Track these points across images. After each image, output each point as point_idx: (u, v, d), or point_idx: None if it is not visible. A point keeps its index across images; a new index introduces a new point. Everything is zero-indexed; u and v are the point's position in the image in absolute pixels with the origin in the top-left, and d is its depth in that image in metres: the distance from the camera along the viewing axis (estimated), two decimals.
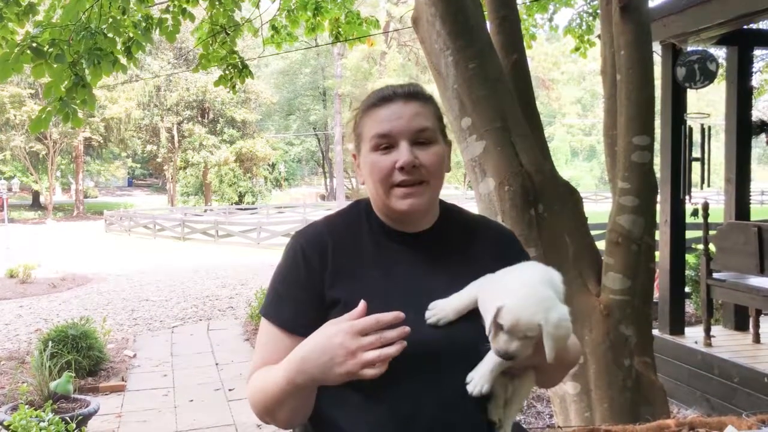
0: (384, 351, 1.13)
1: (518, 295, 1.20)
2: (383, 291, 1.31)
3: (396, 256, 1.37)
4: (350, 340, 1.14)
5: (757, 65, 9.64)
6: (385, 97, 1.35)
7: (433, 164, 1.33)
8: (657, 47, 5.56)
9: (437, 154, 1.34)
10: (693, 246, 8.38)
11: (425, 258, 1.37)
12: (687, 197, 5.57)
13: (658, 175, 4.48)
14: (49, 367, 5.32)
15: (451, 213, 1.46)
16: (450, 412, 1.29)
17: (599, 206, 29.94)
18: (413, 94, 1.35)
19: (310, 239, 1.38)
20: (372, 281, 1.33)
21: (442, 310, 1.29)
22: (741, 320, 5.82)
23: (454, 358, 1.28)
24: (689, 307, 7.53)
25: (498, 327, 1.21)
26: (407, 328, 1.15)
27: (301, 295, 1.34)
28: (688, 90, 5.52)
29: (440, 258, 1.38)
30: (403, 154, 1.30)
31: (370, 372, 1.13)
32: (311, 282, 1.34)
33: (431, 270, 1.36)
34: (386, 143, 1.32)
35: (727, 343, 5.44)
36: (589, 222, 3.18)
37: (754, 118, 6.10)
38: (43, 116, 4.06)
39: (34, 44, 3.84)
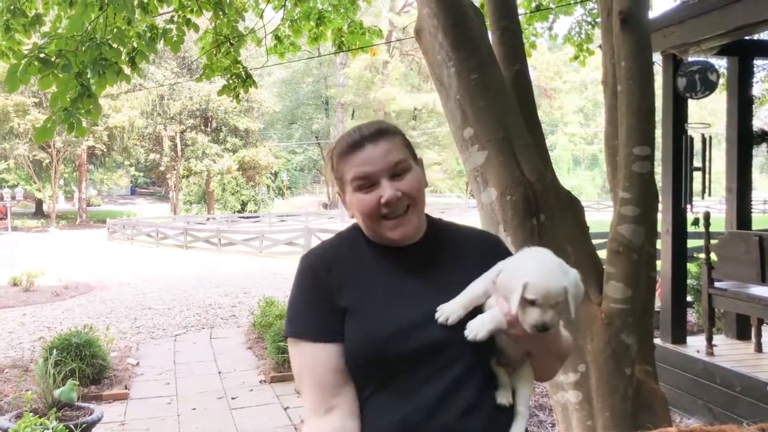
0: None
1: (539, 269, 1.34)
2: (383, 296, 1.44)
3: (391, 266, 1.48)
4: None
5: (757, 75, 9.68)
6: (355, 144, 1.46)
7: (413, 189, 1.46)
8: (658, 58, 5.59)
9: (415, 179, 1.47)
10: (695, 255, 8.39)
11: (418, 266, 1.49)
12: (688, 206, 5.59)
13: (659, 184, 4.50)
14: (53, 375, 5.34)
15: (438, 225, 1.58)
16: (457, 403, 1.38)
17: (601, 215, 29.92)
18: (379, 132, 1.47)
19: (316, 257, 1.52)
20: (373, 289, 1.45)
21: (449, 308, 1.40)
22: (743, 329, 5.82)
23: (455, 351, 1.38)
24: (691, 316, 7.54)
25: (528, 303, 1.31)
26: None
27: (320, 306, 1.45)
28: (690, 100, 5.55)
29: (432, 265, 1.49)
30: (386, 191, 1.43)
31: None
32: (325, 294, 1.45)
33: (425, 276, 1.48)
34: (368, 183, 1.45)
35: (729, 352, 5.45)
36: (591, 231, 3.19)
37: (755, 128, 6.13)
38: (48, 125, 4.09)
39: (42, 55, 3.88)
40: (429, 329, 1.39)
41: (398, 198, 1.43)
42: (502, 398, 1.43)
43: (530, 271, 1.32)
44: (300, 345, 1.44)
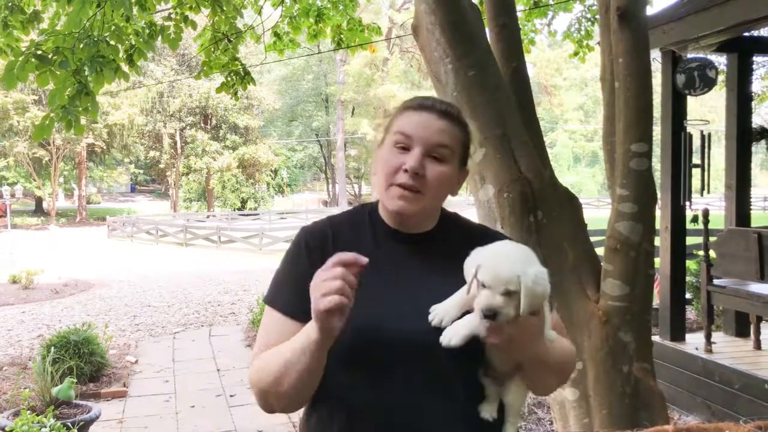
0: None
1: (495, 254, 1.30)
2: (376, 284, 1.38)
3: (393, 253, 1.45)
4: (325, 272, 1.23)
5: (757, 72, 9.67)
6: (423, 105, 1.45)
7: (436, 180, 1.41)
8: (657, 54, 5.58)
9: (443, 174, 1.42)
10: (694, 252, 8.39)
11: (422, 258, 1.45)
12: (687, 204, 5.58)
13: (658, 181, 4.49)
14: (51, 372, 5.34)
15: (450, 220, 1.54)
16: (439, 403, 1.35)
17: (601, 212, 29.90)
18: (448, 113, 1.45)
19: (313, 233, 1.49)
20: (366, 274, 1.38)
21: (443, 310, 1.34)
22: (742, 327, 5.82)
23: (440, 351, 1.32)
24: (690, 313, 7.53)
25: (481, 287, 1.26)
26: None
27: (301, 283, 1.39)
28: (689, 96, 5.54)
29: (437, 259, 1.45)
30: (412, 158, 1.39)
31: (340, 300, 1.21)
32: (309, 273, 1.39)
33: (427, 269, 1.43)
34: (404, 144, 1.41)
35: (728, 350, 5.45)
36: (591, 228, 3.19)
37: (754, 125, 6.12)
38: (47, 123, 4.09)
39: (39, 52, 3.87)
40: (416, 324, 1.35)
41: (417, 173, 1.38)
42: (486, 412, 1.38)
43: (488, 255, 1.29)
44: (271, 311, 1.44)
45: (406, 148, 1.41)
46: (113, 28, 4.42)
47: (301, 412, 1.50)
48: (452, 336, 1.30)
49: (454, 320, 1.33)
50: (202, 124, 40.88)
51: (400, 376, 1.35)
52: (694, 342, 5.54)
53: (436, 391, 1.36)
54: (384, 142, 1.46)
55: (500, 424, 1.41)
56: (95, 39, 4.14)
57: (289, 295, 1.44)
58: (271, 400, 1.39)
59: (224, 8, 5.82)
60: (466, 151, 1.49)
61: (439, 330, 1.33)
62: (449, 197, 1.51)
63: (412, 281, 1.42)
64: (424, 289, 1.40)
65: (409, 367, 1.35)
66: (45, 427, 3.92)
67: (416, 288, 1.41)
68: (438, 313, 1.34)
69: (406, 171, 1.38)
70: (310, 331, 1.28)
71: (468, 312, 1.34)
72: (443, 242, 1.48)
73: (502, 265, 1.26)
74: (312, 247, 1.46)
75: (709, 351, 5.27)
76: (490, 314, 1.24)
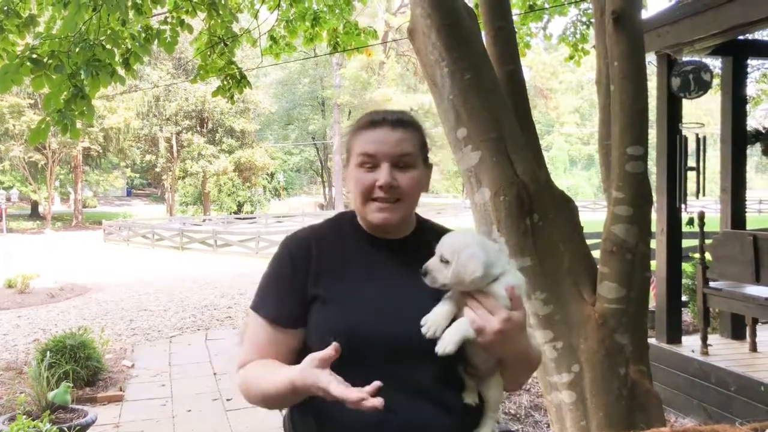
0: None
1: (459, 232, 1.48)
2: (362, 289, 1.47)
3: (375, 259, 1.52)
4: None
5: (751, 75, 9.70)
6: (374, 121, 1.51)
7: (409, 186, 1.50)
8: (652, 57, 5.60)
9: (414, 178, 1.51)
10: (690, 255, 8.41)
11: (402, 262, 1.52)
12: (683, 206, 5.59)
13: (654, 184, 4.51)
14: (47, 377, 5.32)
15: (425, 225, 1.63)
16: (426, 401, 1.43)
17: (597, 215, 29.94)
18: (400, 121, 1.51)
19: (298, 241, 1.56)
20: (352, 281, 1.49)
21: (434, 321, 1.41)
22: (738, 329, 5.83)
23: (427, 351, 1.38)
24: (686, 315, 7.54)
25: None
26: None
27: (285, 290, 1.50)
28: (685, 99, 5.55)
29: (415, 263, 1.50)
30: (383, 175, 1.47)
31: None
32: (296, 279, 1.50)
33: (407, 273, 1.49)
34: (370, 162, 1.49)
35: (724, 352, 5.46)
36: (587, 230, 3.19)
37: (749, 128, 6.14)
38: (42, 127, 4.08)
39: (34, 56, 3.87)
40: (402, 327, 1.41)
41: (392, 186, 1.46)
42: (469, 398, 1.47)
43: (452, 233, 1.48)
44: (256, 318, 1.52)
45: (373, 166, 1.48)
46: (109, 31, 4.42)
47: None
48: (447, 344, 1.37)
49: (445, 329, 1.40)
50: (199, 128, 40.87)
51: (388, 377, 1.38)
52: (690, 344, 5.54)
53: (422, 390, 1.42)
54: (349, 164, 1.54)
55: (480, 417, 1.50)
56: (91, 43, 4.13)
57: (273, 302, 1.51)
58: (260, 405, 1.52)
59: (220, 12, 5.82)
60: (426, 149, 1.57)
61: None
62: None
63: (394, 285, 1.48)
64: (406, 292, 1.46)
65: (396, 369, 1.41)
66: (41, 431, 3.91)
67: (399, 291, 1.47)
68: (430, 326, 1.40)
69: (381, 187, 1.46)
70: (297, 385, 1.37)
71: (455, 318, 1.41)
72: (420, 246, 1.54)
73: (450, 239, 1.41)
74: (297, 258, 1.52)
75: (705, 353, 5.27)
76: (423, 272, 1.40)
